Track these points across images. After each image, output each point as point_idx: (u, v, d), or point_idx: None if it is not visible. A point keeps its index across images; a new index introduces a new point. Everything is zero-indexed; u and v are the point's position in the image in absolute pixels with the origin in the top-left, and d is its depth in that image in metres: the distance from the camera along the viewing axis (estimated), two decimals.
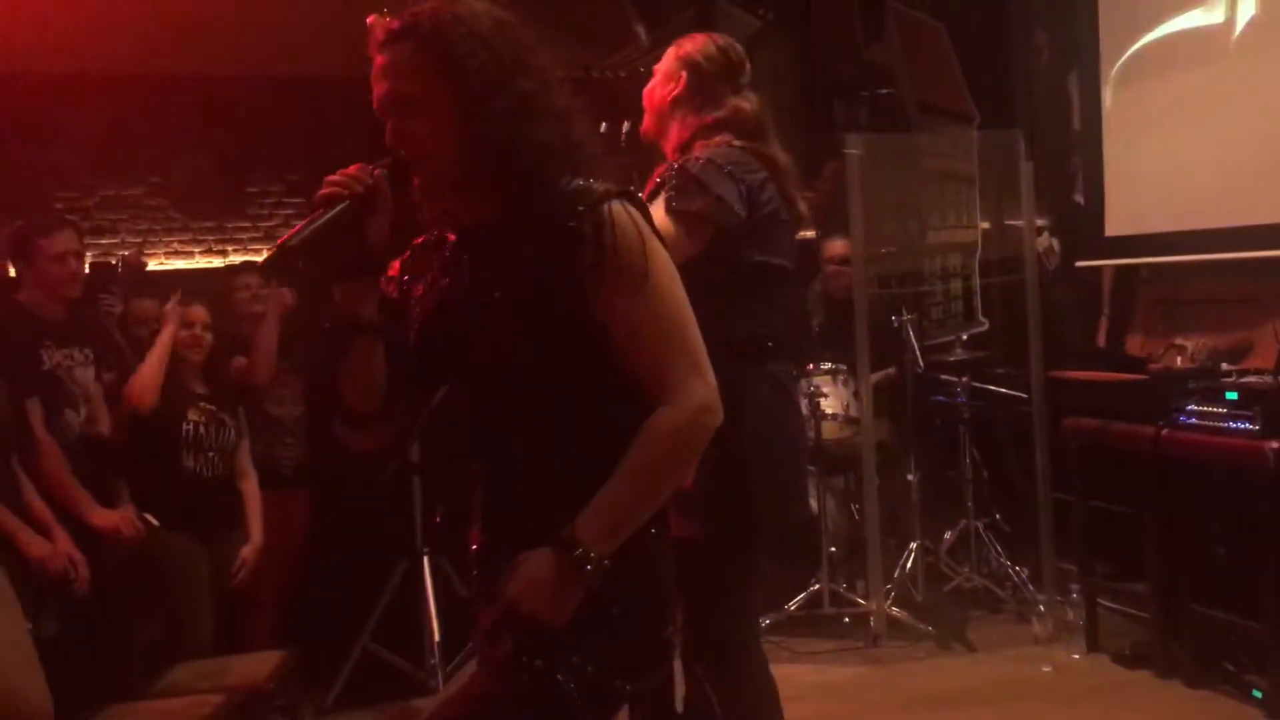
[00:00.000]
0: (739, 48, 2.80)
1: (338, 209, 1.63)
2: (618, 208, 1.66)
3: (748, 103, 2.72)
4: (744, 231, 2.56)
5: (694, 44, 2.76)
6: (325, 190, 1.65)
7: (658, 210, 2.42)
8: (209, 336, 4.12)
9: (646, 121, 2.79)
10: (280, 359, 4.70)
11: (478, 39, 1.65)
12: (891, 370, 5.09)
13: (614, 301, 1.65)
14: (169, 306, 4.04)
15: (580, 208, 1.65)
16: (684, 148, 2.67)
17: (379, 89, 1.68)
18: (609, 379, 1.69)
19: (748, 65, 2.79)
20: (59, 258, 3.74)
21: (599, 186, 1.68)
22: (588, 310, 1.65)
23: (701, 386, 1.67)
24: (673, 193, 2.49)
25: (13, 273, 3.89)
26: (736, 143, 2.64)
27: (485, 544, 1.80)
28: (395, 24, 1.68)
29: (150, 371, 3.92)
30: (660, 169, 2.63)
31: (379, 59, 1.69)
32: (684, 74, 2.71)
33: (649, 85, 2.77)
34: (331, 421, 1.83)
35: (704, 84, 2.70)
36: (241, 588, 4.08)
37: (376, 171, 1.67)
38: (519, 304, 1.65)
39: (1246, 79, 4.60)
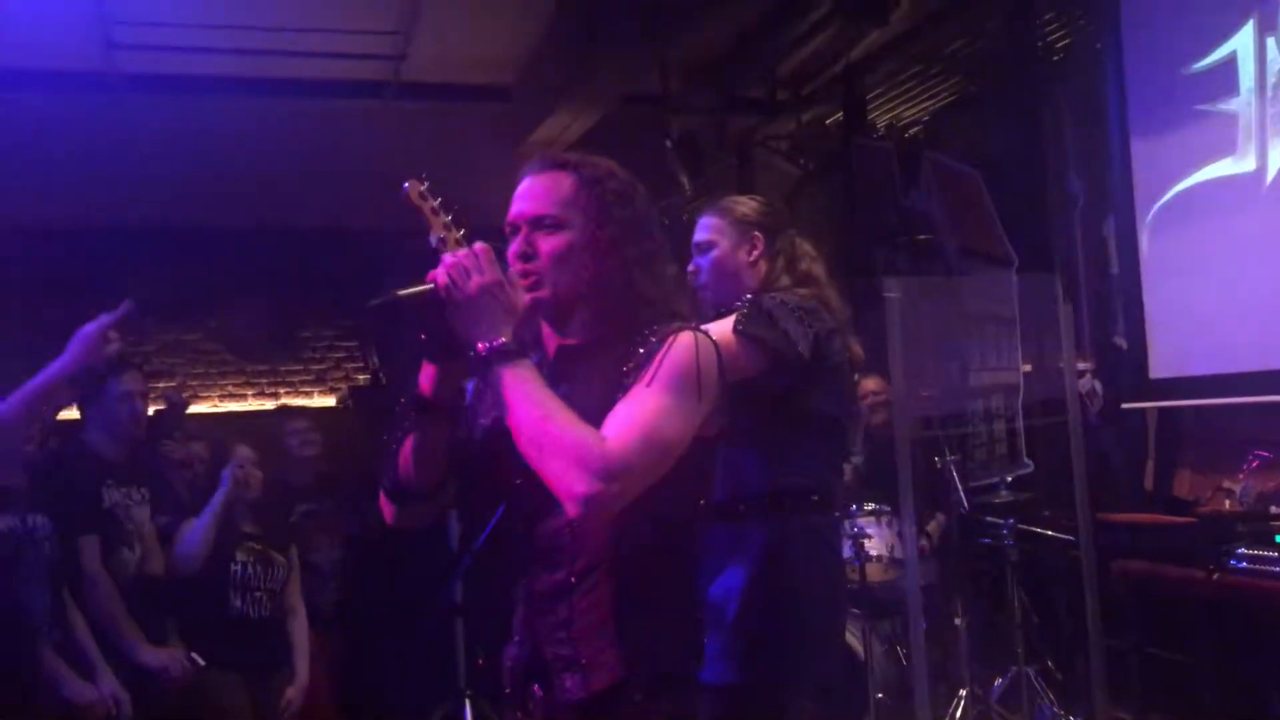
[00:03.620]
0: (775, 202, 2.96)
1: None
2: (685, 333, 1.78)
3: (806, 247, 2.85)
4: (806, 377, 2.62)
5: (748, 206, 2.88)
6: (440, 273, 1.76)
7: (723, 326, 2.50)
8: (258, 473, 4.20)
9: (715, 285, 2.83)
10: (321, 500, 4.76)
11: (624, 196, 1.86)
12: (942, 518, 5.07)
13: (638, 385, 1.71)
14: (227, 472, 4.08)
15: (655, 337, 1.77)
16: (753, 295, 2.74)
17: (521, 205, 1.85)
18: (670, 507, 1.74)
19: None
20: (124, 398, 3.86)
21: (678, 325, 1.80)
22: None
23: (630, 478, 1.63)
24: (741, 318, 2.57)
25: (77, 413, 4.02)
26: (804, 291, 2.73)
27: (521, 658, 1.82)
28: (559, 157, 1.88)
29: (200, 536, 3.98)
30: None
31: (529, 180, 1.86)
32: (756, 234, 2.82)
33: (717, 254, 2.83)
34: (370, 559, 1.89)
35: (775, 239, 2.83)
36: None
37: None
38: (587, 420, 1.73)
39: None
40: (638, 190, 1.90)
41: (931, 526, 5.09)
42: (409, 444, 1.85)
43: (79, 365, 3.13)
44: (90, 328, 3.14)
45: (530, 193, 1.85)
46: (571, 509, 1.61)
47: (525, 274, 1.82)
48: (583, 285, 1.81)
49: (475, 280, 1.70)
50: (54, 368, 3.10)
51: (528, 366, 1.69)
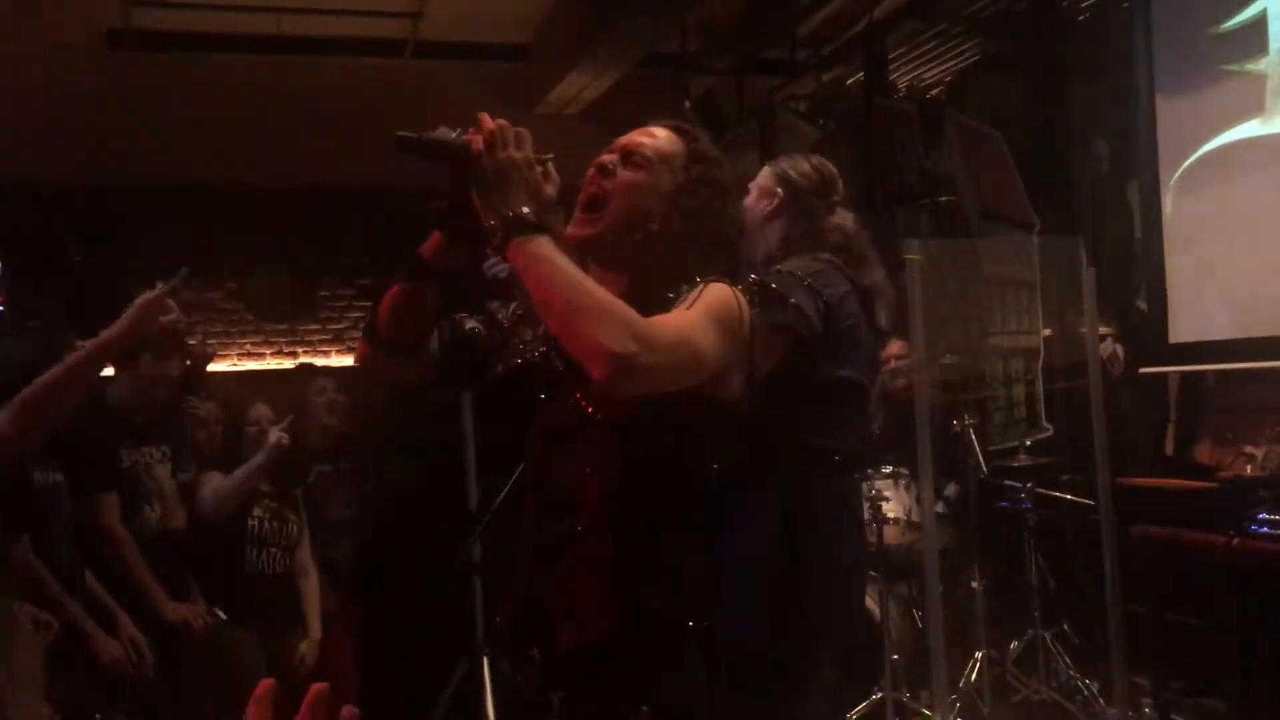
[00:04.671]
0: (831, 167, 2.90)
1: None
2: (721, 283, 1.81)
3: (841, 219, 2.81)
4: (819, 346, 2.59)
5: (789, 162, 2.87)
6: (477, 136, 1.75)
7: None
8: (286, 435, 4.20)
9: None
10: (338, 461, 4.77)
11: (716, 184, 1.92)
12: (955, 487, 5.06)
13: (676, 310, 1.74)
14: (272, 436, 4.07)
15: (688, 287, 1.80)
16: (773, 260, 2.73)
17: (628, 136, 1.94)
18: (682, 465, 1.74)
19: (840, 183, 2.88)
20: (156, 380, 3.87)
21: (713, 277, 1.83)
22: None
23: (663, 355, 1.64)
24: (755, 310, 2.52)
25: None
26: (823, 256, 2.70)
27: (521, 612, 1.82)
28: (684, 124, 1.97)
29: (234, 490, 4.00)
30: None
31: (649, 126, 1.94)
32: (780, 190, 2.81)
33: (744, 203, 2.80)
34: (389, 519, 1.89)
35: (798, 200, 2.80)
36: (302, 681, 4.11)
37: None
38: None
39: None
40: (731, 189, 1.96)
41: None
42: (393, 292, 1.88)
43: (135, 333, 2.98)
44: (150, 296, 2.97)
45: (641, 131, 1.93)
46: (601, 367, 1.57)
47: (593, 190, 1.86)
48: (633, 231, 1.84)
49: (509, 152, 1.70)
50: (109, 334, 2.90)
51: (551, 242, 1.66)
